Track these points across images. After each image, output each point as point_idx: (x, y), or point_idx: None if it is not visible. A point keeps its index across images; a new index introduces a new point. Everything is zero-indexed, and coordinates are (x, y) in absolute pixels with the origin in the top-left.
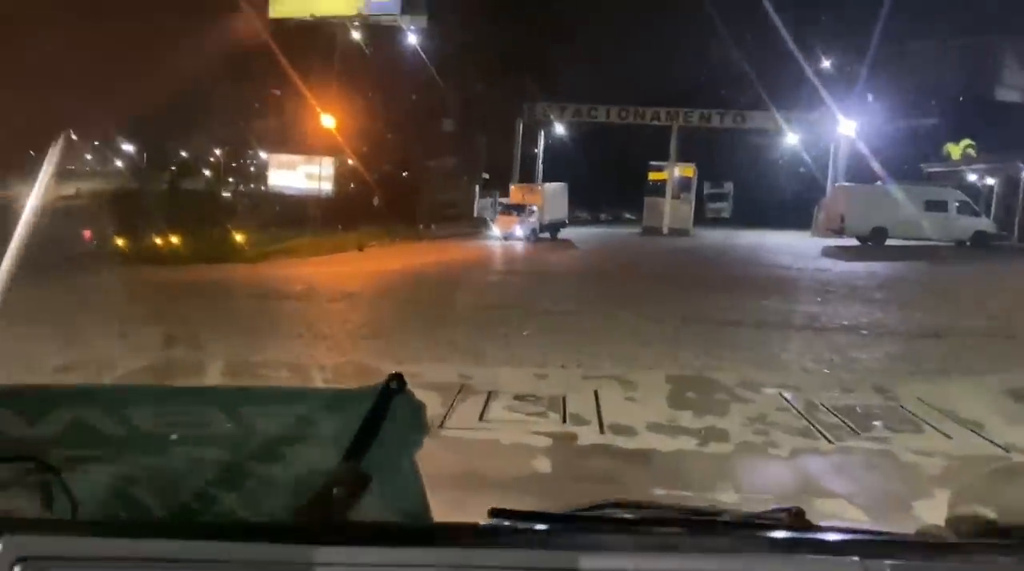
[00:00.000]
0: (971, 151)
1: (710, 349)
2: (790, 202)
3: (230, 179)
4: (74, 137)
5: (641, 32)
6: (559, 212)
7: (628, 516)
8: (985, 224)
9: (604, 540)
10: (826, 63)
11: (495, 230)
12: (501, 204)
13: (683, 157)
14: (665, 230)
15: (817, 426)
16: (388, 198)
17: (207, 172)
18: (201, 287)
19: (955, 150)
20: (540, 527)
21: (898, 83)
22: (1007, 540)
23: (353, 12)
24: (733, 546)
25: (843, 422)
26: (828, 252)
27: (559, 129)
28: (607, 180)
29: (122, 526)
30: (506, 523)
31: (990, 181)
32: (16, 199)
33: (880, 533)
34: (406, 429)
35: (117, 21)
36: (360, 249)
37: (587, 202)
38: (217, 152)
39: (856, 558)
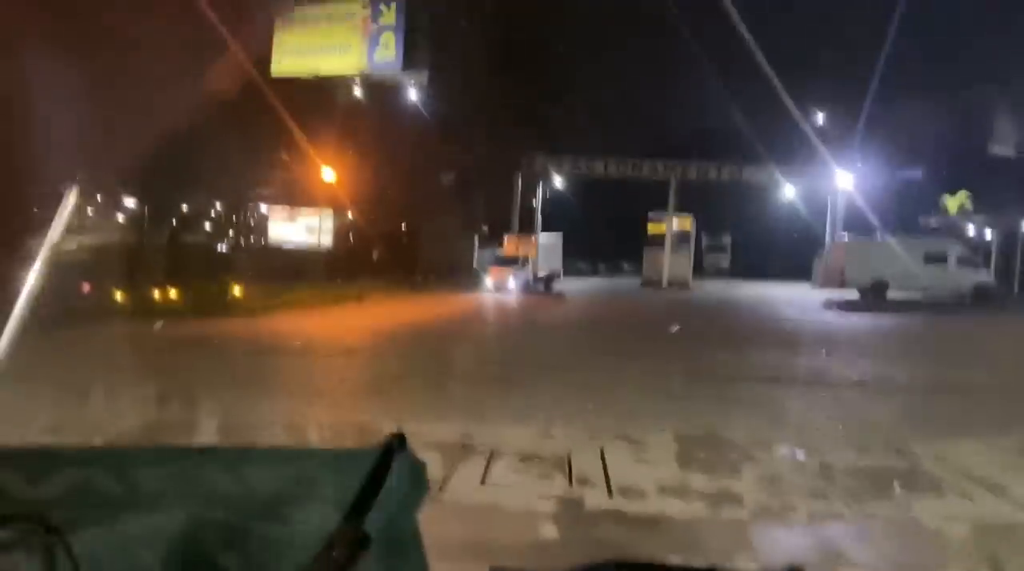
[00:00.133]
0: (967, 204)
1: (719, 406)
2: (789, 254)
3: (230, 232)
4: (78, 192)
5: (640, 86)
6: (554, 263)
7: None
8: (985, 277)
9: None
10: (821, 116)
11: (487, 282)
12: (496, 256)
13: (681, 209)
14: (664, 283)
15: (834, 488)
16: (387, 251)
17: (207, 225)
18: (198, 342)
19: (952, 203)
20: None
21: (893, 136)
22: None
23: (355, 70)
24: None
25: (861, 484)
26: (830, 305)
27: (558, 181)
28: (606, 232)
29: None
30: None
31: (988, 234)
32: (24, 256)
33: None
34: (407, 489)
35: (116, 75)
36: (359, 302)
37: (586, 253)
38: (218, 205)
39: None
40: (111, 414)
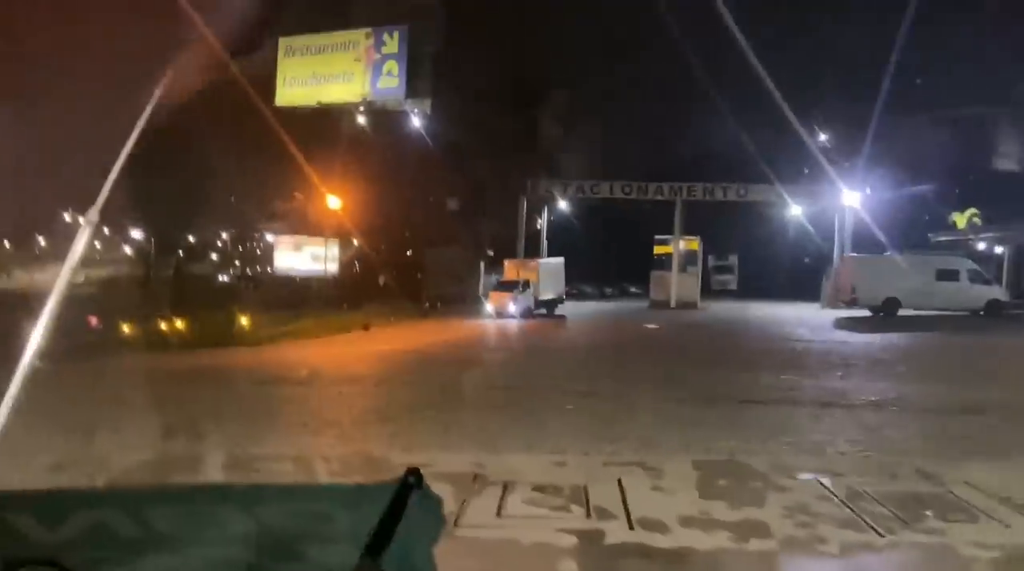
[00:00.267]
0: (976, 220)
1: (736, 430)
2: (796, 273)
3: (236, 262)
4: (86, 224)
5: (644, 108)
6: (556, 288)
7: None
8: (998, 292)
9: None
10: (827, 135)
11: (488, 307)
12: (496, 281)
13: (687, 230)
14: (672, 304)
15: (864, 517)
16: (393, 278)
17: (214, 256)
18: (204, 373)
19: (960, 219)
20: None
21: (899, 153)
22: None
23: (358, 98)
24: None
25: (891, 512)
26: (841, 324)
27: (563, 205)
28: (612, 255)
29: None
30: None
31: (999, 249)
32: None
33: None
34: (424, 525)
35: (118, 106)
36: (366, 329)
37: (592, 277)
38: (224, 235)
39: None
40: (120, 447)
